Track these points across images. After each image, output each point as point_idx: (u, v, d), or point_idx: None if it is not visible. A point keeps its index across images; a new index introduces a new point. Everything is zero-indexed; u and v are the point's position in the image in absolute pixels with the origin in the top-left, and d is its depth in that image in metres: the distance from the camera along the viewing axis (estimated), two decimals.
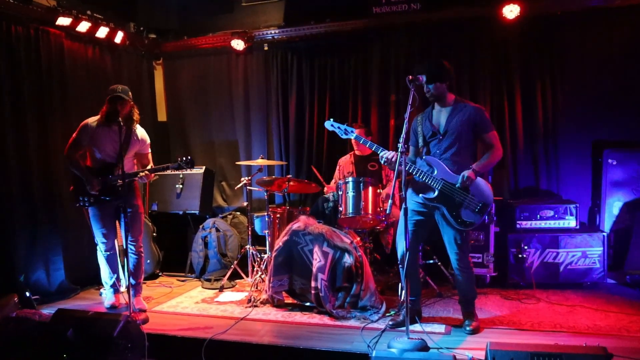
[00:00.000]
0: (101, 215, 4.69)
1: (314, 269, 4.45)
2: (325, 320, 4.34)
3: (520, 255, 5.07)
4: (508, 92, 5.84)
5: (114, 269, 4.87)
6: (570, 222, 5.21)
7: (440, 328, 4.03)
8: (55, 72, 5.46)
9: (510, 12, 5.46)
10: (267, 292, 4.72)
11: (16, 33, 5.07)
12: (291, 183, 5.29)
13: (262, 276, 5.09)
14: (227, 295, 5.19)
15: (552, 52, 5.71)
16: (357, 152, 5.69)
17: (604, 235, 5.07)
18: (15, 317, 4.15)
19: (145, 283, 5.52)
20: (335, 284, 4.44)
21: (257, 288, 5.06)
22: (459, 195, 3.83)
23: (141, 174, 4.56)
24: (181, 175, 6.37)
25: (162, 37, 6.96)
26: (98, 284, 5.29)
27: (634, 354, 3.34)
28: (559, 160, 5.76)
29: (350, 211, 4.79)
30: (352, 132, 4.13)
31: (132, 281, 4.65)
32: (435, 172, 3.90)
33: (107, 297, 4.92)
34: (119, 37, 6.08)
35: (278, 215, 5.30)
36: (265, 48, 6.72)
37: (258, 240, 5.92)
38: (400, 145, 3.61)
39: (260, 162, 5.54)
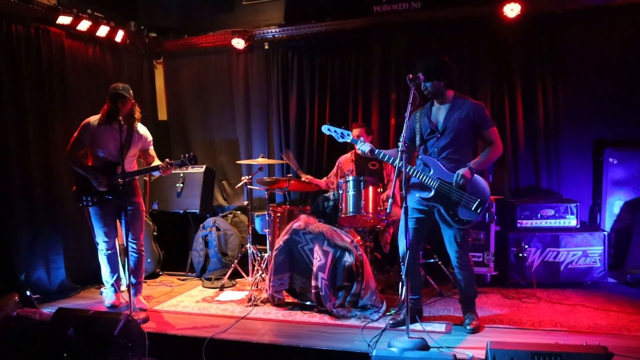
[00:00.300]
0: (102, 214, 4.69)
1: (315, 268, 4.45)
2: (326, 319, 4.34)
3: (520, 254, 5.07)
4: (509, 91, 5.83)
5: (114, 268, 4.87)
6: (571, 221, 5.20)
7: (440, 327, 4.03)
8: (56, 71, 5.46)
9: (511, 10, 5.45)
10: (267, 291, 4.72)
11: (17, 32, 5.07)
12: (292, 182, 5.29)
13: (263, 275, 5.09)
14: (228, 295, 5.19)
15: (553, 50, 5.71)
16: (357, 151, 5.68)
17: (604, 235, 5.07)
18: (16, 316, 4.15)
19: (145, 282, 5.53)
20: (335, 283, 4.44)
21: (257, 287, 5.06)
22: (456, 193, 3.82)
23: (160, 166, 4.55)
24: (182, 174, 6.37)
25: (163, 36, 6.96)
26: (99, 283, 5.29)
27: (635, 353, 3.33)
28: (560, 159, 5.76)
29: (351, 210, 4.79)
30: (348, 135, 4.13)
31: (133, 280, 4.65)
32: (432, 171, 3.89)
33: (107, 296, 4.92)
34: (119, 36, 6.09)
35: (278, 214, 5.30)
36: (266, 47, 6.72)
37: (258, 239, 5.92)
38: (400, 144, 3.61)
39: (261, 161, 5.54)
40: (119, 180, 4.50)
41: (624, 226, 5.32)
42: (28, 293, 4.79)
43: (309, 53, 6.54)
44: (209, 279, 5.70)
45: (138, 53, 6.81)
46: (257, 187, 5.61)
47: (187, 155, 4.57)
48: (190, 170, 6.38)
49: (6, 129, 4.98)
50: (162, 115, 7.25)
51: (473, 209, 3.80)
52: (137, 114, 4.70)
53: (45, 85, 5.33)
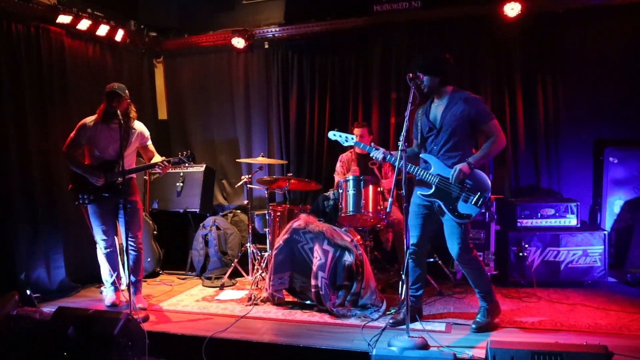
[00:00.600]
0: (100, 212, 4.70)
1: (315, 267, 4.45)
2: (326, 318, 4.34)
3: (521, 254, 5.07)
4: (509, 90, 5.83)
5: (113, 267, 4.87)
6: (571, 221, 5.20)
7: (440, 326, 4.03)
8: (56, 70, 5.46)
9: (512, 10, 5.45)
10: (267, 291, 4.72)
11: (16, 31, 5.08)
12: (292, 181, 5.29)
13: (263, 274, 5.09)
14: (228, 294, 5.19)
15: (553, 50, 5.70)
16: (357, 150, 5.68)
17: (604, 234, 5.06)
18: (16, 315, 4.16)
19: (145, 281, 5.53)
20: (335, 282, 4.43)
21: (257, 286, 5.06)
22: (455, 189, 3.83)
23: (158, 164, 4.55)
24: (182, 174, 6.37)
25: (163, 35, 6.96)
26: (99, 282, 5.29)
27: (635, 352, 3.33)
28: (560, 158, 5.76)
29: (351, 209, 4.79)
30: (352, 139, 4.15)
31: (132, 278, 4.65)
32: (432, 168, 3.90)
33: (107, 295, 4.92)
34: (119, 35, 6.09)
35: (278, 214, 5.30)
36: (266, 46, 6.72)
37: (258, 238, 5.92)
38: (400, 143, 3.61)
39: (261, 160, 5.53)
40: (118, 179, 4.53)
41: (624, 225, 5.32)
42: (28, 292, 4.80)
43: (309, 52, 6.53)
44: (209, 278, 5.70)
45: (138, 52, 6.81)
46: (257, 187, 5.61)
47: (184, 153, 4.58)
48: (190, 169, 6.38)
49: (6, 129, 4.98)
50: (162, 114, 7.25)
51: (473, 202, 3.80)
52: (133, 113, 4.71)
53: (45, 85, 5.32)
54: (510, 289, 5.01)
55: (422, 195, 3.95)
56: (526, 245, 5.07)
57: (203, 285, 5.59)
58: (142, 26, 6.70)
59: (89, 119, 4.67)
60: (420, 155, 4.01)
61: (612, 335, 3.75)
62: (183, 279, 5.95)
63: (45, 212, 5.24)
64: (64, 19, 5.37)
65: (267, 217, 5.35)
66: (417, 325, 3.91)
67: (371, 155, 4.08)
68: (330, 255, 4.41)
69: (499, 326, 3.97)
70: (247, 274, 5.55)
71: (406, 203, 3.63)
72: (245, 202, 5.61)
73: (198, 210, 6.27)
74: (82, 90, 5.74)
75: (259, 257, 5.34)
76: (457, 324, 4.08)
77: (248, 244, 5.50)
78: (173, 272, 6.19)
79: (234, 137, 6.97)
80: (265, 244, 5.42)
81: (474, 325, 3.92)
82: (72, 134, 4.64)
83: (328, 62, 6.47)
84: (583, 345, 3.04)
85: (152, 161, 4.75)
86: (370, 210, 4.77)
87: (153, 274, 6.02)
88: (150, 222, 6.12)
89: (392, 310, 4.35)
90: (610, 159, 5.41)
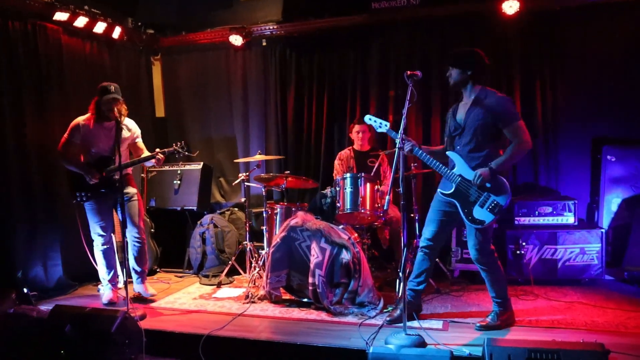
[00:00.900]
0: (99, 209, 4.74)
1: (312, 265, 4.44)
2: (323, 316, 4.34)
3: (518, 252, 5.07)
4: (507, 88, 5.82)
5: (111, 265, 4.89)
6: (569, 219, 5.20)
7: (438, 324, 4.03)
8: (53, 67, 5.44)
9: (510, 7, 5.45)
10: (264, 288, 4.72)
11: (13, 28, 5.06)
12: (289, 179, 5.28)
13: (260, 272, 5.09)
14: (225, 291, 5.19)
15: (552, 48, 5.70)
16: (356, 148, 5.69)
17: (602, 232, 5.06)
18: (13, 313, 4.15)
19: None
20: (332, 280, 4.43)
21: (254, 284, 5.05)
22: (474, 192, 3.77)
23: (157, 156, 4.61)
24: (179, 171, 6.36)
25: (160, 32, 6.94)
26: (96, 280, 5.28)
27: (632, 350, 3.34)
28: (558, 156, 5.76)
29: (348, 207, 4.80)
30: (386, 126, 3.98)
31: (138, 268, 4.87)
32: (455, 168, 3.85)
33: (104, 293, 4.91)
34: (116, 32, 6.07)
35: (276, 212, 5.29)
36: (264, 44, 6.71)
37: (256, 236, 5.91)
38: (398, 141, 3.60)
39: (259, 157, 5.52)
40: (114, 175, 4.56)
41: (622, 224, 5.32)
42: (25, 290, 4.79)
43: (307, 50, 6.52)
44: (207, 276, 5.69)
45: (135, 49, 6.79)
46: (255, 184, 5.60)
47: (179, 143, 4.68)
48: (187, 167, 6.38)
49: (4, 126, 4.98)
50: (160, 112, 7.24)
51: (488, 209, 3.74)
52: (125, 111, 4.69)
53: (42, 82, 5.31)
54: (508, 286, 4.98)
55: (442, 193, 3.94)
56: (524, 243, 5.08)
57: (200, 283, 5.59)
58: (139, 23, 6.68)
59: (82, 119, 4.72)
60: (447, 153, 3.94)
61: (609, 333, 3.75)
62: (180, 276, 5.95)
63: (43, 210, 5.24)
64: (61, 16, 5.36)
65: (264, 215, 5.34)
66: (414, 323, 3.91)
67: (402, 145, 3.93)
68: (328, 253, 4.41)
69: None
70: (245, 272, 5.54)
71: (403, 201, 3.63)
72: (243, 199, 5.59)
73: (195, 208, 6.27)
74: (79, 88, 5.72)
75: (256, 255, 5.34)
76: (455, 322, 4.08)
77: (245, 242, 5.49)
78: (170, 270, 6.19)
79: (232, 134, 6.96)
80: (263, 241, 5.41)
81: (478, 324, 3.90)
82: (65, 135, 4.69)
83: (326, 59, 6.47)
84: (580, 342, 3.05)
85: (143, 156, 4.77)
86: (368, 208, 4.77)
87: (150, 272, 6.00)
88: (148, 220, 6.11)
89: (390, 308, 4.34)
90: (608, 157, 5.41)
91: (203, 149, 7.01)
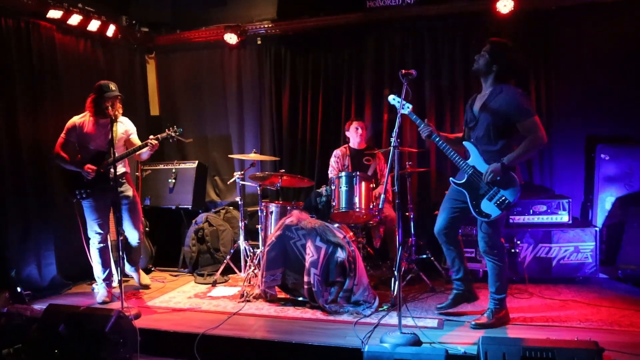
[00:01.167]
0: (96, 206, 4.79)
1: (307, 264, 4.44)
2: (318, 315, 4.34)
3: (513, 250, 5.08)
4: None
5: (106, 264, 4.89)
6: (563, 217, 5.22)
7: (433, 322, 4.03)
8: (47, 65, 5.42)
9: (504, 6, 5.46)
10: (259, 287, 4.71)
11: (6, 26, 5.03)
12: (284, 178, 5.28)
13: (255, 271, 5.08)
14: (220, 290, 5.18)
15: (546, 47, 5.72)
16: (352, 145, 5.68)
17: (596, 230, 5.08)
18: (7, 312, 4.13)
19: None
20: (328, 278, 4.43)
21: (249, 283, 5.05)
22: (484, 186, 3.77)
23: (151, 142, 4.71)
24: (174, 170, 6.35)
25: (155, 30, 6.91)
26: (90, 279, 5.27)
27: (625, 348, 3.35)
28: (553, 155, 5.78)
29: (343, 206, 4.79)
30: (408, 108, 3.91)
31: (132, 268, 5.18)
32: (470, 158, 3.85)
33: (99, 292, 4.91)
34: (110, 30, 6.04)
35: (271, 210, 5.29)
36: (259, 42, 6.70)
37: (251, 235, 5.90)
38: (393, 139, 3.60)
39: (253, 156, 5.51)
40: (110, 170, 4.60)
41: (616, 222, 5.35)
42: (19, 289, 4.76)
43: (302, 48, 6.52)
44: (201, 275, 5.68)
45: (130, 48, 6.76)
46: (250, 183, 5.59)
47: (172, 127, 4.82)
48: (182, 165, 6.38)
49: None
50: (154, 110, 7.22)
51: (496, 203, 3.74)
52: (120, 109, 4.82)
53: (36, 80, 5.28)
54: None
55: (454, 182, 3.96)
56: (518, 242, 5.09)
57: (195, 282, 5.57)
58: (133, 21, 6.65)
59: (78, 118, 4.80)
60: (463, 142, 3.93)
61: (603, 331, 3.77)
62: (175, 275, 5.94)
63: (36, 208, 5.21)
64: (54, 13, 5.33)
65: (259, 214, 5.34)
66: (409, 321, 3.91)
67: (419, 129, 3.96)
68: (323, 252, 4.41)
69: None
70: (240, 271, 5.54)
71: (398, 200, 3.63)
72: (238, 198, 5.58)
73: (190, 206, 6.25)
74: (73, 86, 5.69)
75: (251, 254, 5.33)
76: (449, 320, 4.09)
77: (240, 241, 5.48)
78: (165, 269, 6.18)
79: (227, 133, 6.95)
80: (258, 240, 5.40)
81: (474, 323, 3.91)
82: (62, 135, 4.76)
83: (321, 58, 6.47)
84: (574, 341, 3.05)
85: (137, 146, 4.83)
86: (363, 206, 4.77)
87: (145, 271, 5.98)
88: (143, 219, 6.08)
89: (385, 306, 4.35)
90: (602, 155, 5.43)
91: (198, 148, 7.01)
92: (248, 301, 4.72)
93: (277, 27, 6.47)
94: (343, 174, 4.86)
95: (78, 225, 5.08)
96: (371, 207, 4.81)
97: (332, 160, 5.69)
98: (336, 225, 4.67)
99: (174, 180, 6.32)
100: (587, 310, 4.24)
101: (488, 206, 3.78)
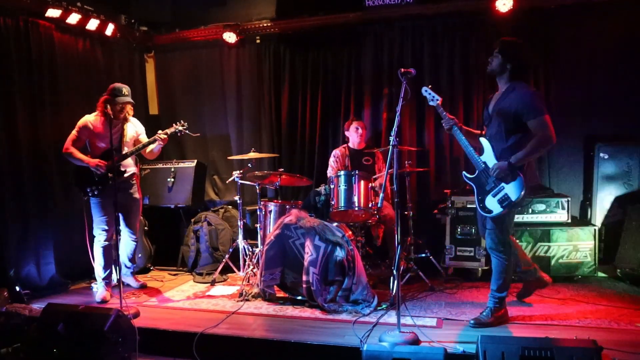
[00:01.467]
0: (104, 203, 4.84)
1: (306, 263, 4.44)
2: (317, 314, 4.34)
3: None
4: None
5: (108, 263, 4.92)
6: (562, 216, 5.22)
7: (432, 322, 4.03)
8: (46, 64, 5.41)
9: (504, 5, 5.45)
10: (258, 286, 4.71)
11: (5, 24, 5.02)
12: (283, 176, 5.28)
13: (254, 270, 5.08)
14: (219, 289, 5.18)
15: (545, 46, 5.71)
16: (351, 146, 5.68)
17: (595, 229, 5.09)
18: (6, 311, 4.13)
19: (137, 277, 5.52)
20: (327, 277, 4.43)
21: (248, 282, 5.05)
22: (491, 182, 3.81)
23: (160, 137, 4.86)
24: (173, 169, 6.35)
25: (154, 29, 6.90)
26: (89, 277, 5.28)
27: (624, 346, 3.35)
28: (551, 153, 5.77)
29: (342, 205, 4.79)
30: (437, 100, 3.97)
31: (129, 264, 5.23)
32: (483, 154, 3.88)
33: (98, 291, 4.91)
34: (109, 29, 6.03)
35: (270, 209, 5.29)
36: (258, 41, 6.70)
37: (250, 234, 5.90)
38: (392, 138, 3.60)
39: (252, 155, 5.51)
40: (121, 168, 4.89)
41: (614, 221, 5.35)
42: (17, 288, 4.77)
43: (301, 47, 6.52)
44: (200, 274, 5.68)
45: (129, 47, 6.75)
46: (249, 182, 5.59)
47: (179, 122, 4.99)
48: (181, 164, 6.38)
49: None
50: (153, 109, 7.21)
51: (499, 201, 3.77)
52: (131, 111, 5.02)
53: (35, 79, 5.27)
54: None
55: (465, 176, 4.00)
56: (517, 241, 5.08)
57: (194, 281, 5.58)
58: (133, 20, 6.63)
59: (91, 118, 4.86)
60: (479, 138, 3.95)
61: (602, 330, 3.77)
62: (174, 274, 5.94)
63: (35, 208, 5.21)
64: (53, 12, 5.32)
65: (258, 213, 5.34)
66: (407, 320, 3.91)
67: (442, 122, 3.96)
68: (322, 251, 4.41)
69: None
70: (239, 270, 5.54)
71: (397, 199, 3.63)
72: (237, 197, 5.58)
73: (189, 205, 6.25)
74: (72, 85, 5.69)
75: (250, 253, 5.33)
76: (448, 319, 4.09)
77: (239, 240, 5.48)
78: (164, 268, 6.18)
79: (226, 132, 6.94)
80: (257, 239, 5.40)
81: (472, 321, 3.91)
82: (74, 132, 4.83)
83: (320, 57, 6.46)
84: (573, 339, 3.06)
85: (147, 140, 4.97)
86: (362, 205, 4.77)
87: (144, 270, 6.01)
88: (142, 218, 6.08)
89: (384, 305, 4.35)
90: (601, 154, 5.44)
91: (197, 147, 7.01)
92: (247, 300, 4.72)
93: (276, 26, 6.46)
94: (342, 172, 4.86)
95: (77, 224, 5.09)
96: (370, 205, 4.81)
97: (331, 160, 5.69)
98: (335, 224, 4.67)
99: (172, 180, 6.32)
100: (586, 309, 4.24)
101: (491, 202, 3.81)
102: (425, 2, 5.80)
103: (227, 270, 5.59)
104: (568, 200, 5.22)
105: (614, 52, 5.52)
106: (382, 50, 6.21)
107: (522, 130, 3.76)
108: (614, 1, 5.40)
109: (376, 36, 6.23)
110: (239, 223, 5.54)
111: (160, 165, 6.41)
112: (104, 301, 4.80)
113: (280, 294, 4.79)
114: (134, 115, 5.10)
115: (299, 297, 4.63)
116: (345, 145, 5.74)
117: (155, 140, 4.85)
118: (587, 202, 5.63)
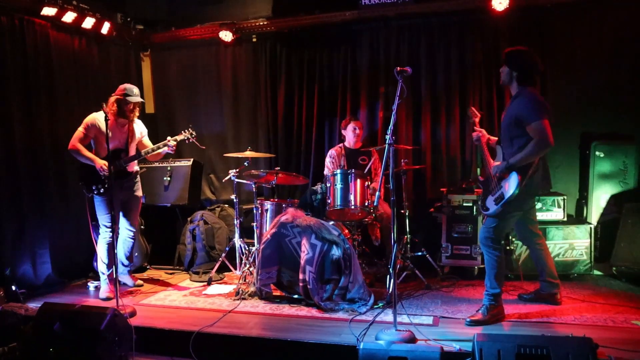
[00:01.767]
0: (109, 200, 4.83)
1: (302, 262, 4.44)
2: (314, 312, 4.34)
3: (508, 247, 5.09)
4: (497, 84, 5.81)
5: (112, 260, 4.92)
6: (558, 214, 5.24)
7: (428, 320, 4.04)
8: (41, 62, 5.39)
9: (500, 4, 5.45)
10: (255, 285, 4.72)
11: (0, 23, 5.00)
12: (279, 175, 5.27)
13: (250, 269, 5.07)
14: (215, 288, 5.18)
15: (542, 44, 5.70)
16: (347, 145, 5.68)
17: (591, 227, 5.11)
18: (1, 311, 4.11)
19: (133, 276, 5.51)
20: (323, 276, 4.43)
21: (245, 281, 5.04)
22: (493, 183, 4.01)
23: (169, 143, 4.97)
24: (169, 168, 6.33)
25: (150, 28, 6.88)
26: (85, 276, 5.28)
27: (619, 344, 3.36)
28: (547, 152, 5.76)
29: (339, 203, 4.79)
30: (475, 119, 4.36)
31: (126, 262, 5.24)
32: (495, 160, 4.10)
33: (102, 287, 4.99)
34: (105, 27, 6.01)
35: (266, 208, 5.28)
36: (254, 39, 6.68)
37: (246, 232, 5.90)
38: (388, 137, 3.61)
39: (249, 154, 5.50)
40: (127, 168, 4.98)
41: (610, 219, 5.37)
42: (13, 288, 4.76)
43: (297, 46, 6.51)
44: (197, 273, 5.68)
45: (125, 45, 6.73)
46: (245, 181, 5.58)
47: (187, 130, 5.11)
48: (177, 163, 6.36)
49: None
50: (150, 108, 7.19)
51: (494, 199, 3.97)
52: (137, 112, 5.05)
53: (30, 78, 5.26)
54: None
55: (478, 179, 4.28)
56: (513, 239, 5.10)
57: (191, 280, 5.57)
58: (129, 19, 6.62)
59: (99, 117, 4.82)
60: (496, 145, 4.20)
61: (598, 327, 3.78)
62: (171, 273, 5.94)
63: (31, 206, 5.19)
64: (48, 11, 5.30)
65: (254, 212, 5.33)
66: (404, 318, 3.92)
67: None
68: (318, 250, 4.41)
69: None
70: (235, 269, 5.53)
71: (394, 197, 3.63)
72: (233, 196, 5.57)
73: (186, 204, 6.24)
74: (68, 83, 5.68)
75: (246, 252, 5.33)
76: (445, 317, 4.10)
77: (236, 239, 5.48)
78: (161, 267, 6.18)
79: (222, 131, 6.93)
80: (253, 238, 5.40)
81: (469, 319, 3.93)
82: (82, 130, 4.83)
83: (316, 55, 6.45)
84: (569, 337, 3.07)
85: (157, 145, 5.05)
86: (358, 204, 4.77)
87: (140, 269, 6.00)
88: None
89: (380, 304, 4.36)
90: (597, 153, 5.45)
91: (193, 146, 6.95)
92: (243, 299, 4.72)
93: (272, 25, 6.45)
94: (338, 171, 4.86)
95: (73, 223, 5.09)
96: (366, 204, 4.81)
97: (328, 160, 5.69)
98: (331, 222, 4.67)
99: (169, 178, 6.31)
100: (582, 307, 4.26)
101: (489, 201, 4.03)
102: (421, 1, 5.80)
103: (223, 269, 5.58)
104: (564, 199, 5.24)
105: (609, 50, 5.54)
106: (378, 48, 6.21)
107: (525, 135, 3.87)
108: None
109: (372, 34, 6.22)
110: (235, 222, 5.54)
111: (156, 164, 6.39)
112: (109, 298, 4.83)
113: (277, 293, 4.79)
114: None
115: (296, 296, 4.64)
116: (341, 144, 5.74)
117: (165, 146, 4.94)
118: (583, 200, 5.64)
